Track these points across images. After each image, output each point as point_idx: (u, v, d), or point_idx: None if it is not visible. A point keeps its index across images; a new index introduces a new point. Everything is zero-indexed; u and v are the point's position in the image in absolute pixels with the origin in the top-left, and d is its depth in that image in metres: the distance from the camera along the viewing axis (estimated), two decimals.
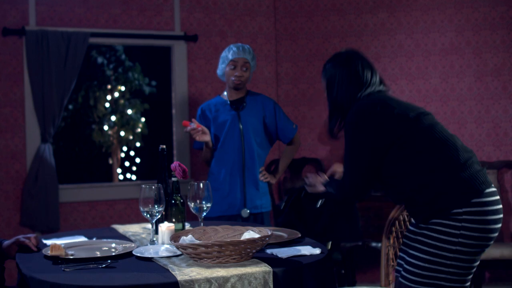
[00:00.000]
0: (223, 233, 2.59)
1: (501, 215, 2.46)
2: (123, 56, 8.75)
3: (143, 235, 3.01)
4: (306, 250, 2.51)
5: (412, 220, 2.71)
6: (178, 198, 2.88)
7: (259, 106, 4.04)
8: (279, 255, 2.43)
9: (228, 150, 3.96)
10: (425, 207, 2.47)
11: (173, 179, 2.91)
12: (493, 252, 4.61)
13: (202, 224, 2.84)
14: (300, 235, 2.85)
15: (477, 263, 2.48)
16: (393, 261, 3.43)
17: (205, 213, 2.83)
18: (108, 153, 8.93)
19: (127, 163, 8.93)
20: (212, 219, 3.88)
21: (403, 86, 5.35)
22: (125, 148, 8.98)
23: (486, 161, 5.14)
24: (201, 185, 2.81)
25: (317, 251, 2.50)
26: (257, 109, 4.02)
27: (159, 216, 2.74)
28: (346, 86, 2.72)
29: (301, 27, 5.51)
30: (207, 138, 3.88)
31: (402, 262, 2.62)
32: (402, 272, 2.54)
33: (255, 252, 2.38)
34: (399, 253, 2.74)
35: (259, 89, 5.35)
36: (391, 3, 5.37)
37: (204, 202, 2.82)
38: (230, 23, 5.41)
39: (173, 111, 5.30)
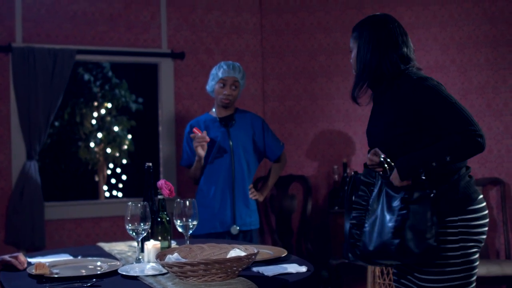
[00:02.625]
0: (209, 251, 2.58)
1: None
2: (110, 73, 8.75)
3: (129, 253, 3.00)
4: (292, 268, 2.50)
5: None
6: (164, 216, 2.87)
7: (248, 124, 4.08)
8: (265, 273, 2.43)
9: (218, 167, 3.98)
10: None
11: (159, 196, 2.90)
12: (479, 269, 4.62)
13: (188, 242, 2.83)
14: (286, 253, 2.84)
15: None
16: (379, 278, 3.44)
17: (191, 231, 2.82)
18: (94, 170, 8.89)
19: (113, 180, 8.90)
20: (202, 236, 3.89)
21: None
22: (111, 165, 8.95)
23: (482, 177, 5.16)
24: (187, 202, 2.80)
25: (303, 269, 2.49)
26: (246, 126, 4.06)
27: (145, 234, 2.73)
28: (384, 50, 2.59)
29: (288, 44, 5.54)
30: (203, 153, 3.89)
31: (409, 278, 2.60)
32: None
33: (241, 270, 2.37)
34: (395, 272, 2.71)
35: (245, 106, 5.36)
36: None
37: (190, 220, 2.81)
38: (217, 41, 5.43)
39: (160, 128, 5.30)
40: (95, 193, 8.80)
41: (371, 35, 2.62)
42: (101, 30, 5.11)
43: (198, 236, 3.88)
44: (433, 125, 2.47)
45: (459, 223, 2.47)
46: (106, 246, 3.22)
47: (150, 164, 3.00)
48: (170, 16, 5.28)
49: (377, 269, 3.42)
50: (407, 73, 2.59)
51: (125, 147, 8.69)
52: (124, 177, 8.94)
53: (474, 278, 2.55)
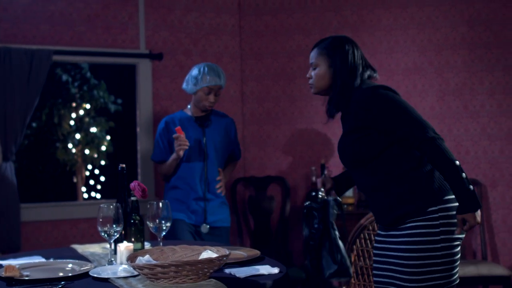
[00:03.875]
0: (181, 252, 2.57)
1: None
2: (88, 74, 8.70)
3: (102, 255, 2.98)
4: (265, 269, 2.50)
5: (378, 231, 2.80)
6: (137, 217, 2.86)
7: (223, 126, 4.15)
8: (237, 275, 2.42)
9: (192, 165, 4.02)
10: (400, 204, 2.59)
11: (132, 198, 2.90)
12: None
13: (161, 243, 2.82)
14: (259, 254, 2.84)
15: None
16: (354, 279, 3.45)
17: (164, 233, 2.81)
18: (73, 172, 8.82)
19: (92, 182, 8.84)
20: (180, 221, 3.94)
21: None
22: (90, 167, 8.89)
23: None
24: (160, 204, 2.79)
25: (275, 270, 2.49)
26: (221, 128, 4.13)
27: (118, 236, 2.72)
28: (360, 70, 2.75)
29: (266, 46, 5.54)
30: (182, 154, 3.94)
31: (390, 275, 2.65)
32: (398, 282, 2.59)
33: (213, 272, 2.37)
34: (376, 266, 2.77)
35: (224, 107, 5.36)
36: (355, 24, 5.44)
37: (163, 222, 2.80)
38: (196, 42, 5.42)
39: (138, 129, 5.27)
40: (73, 195, 8.73)
41: (346, 56, 2.75)
42: (78, 30, 5.08)
43: (174, 220, 3.93)
44: (389, 128, 2.60)
45: (439, 214, 2.55)
46: (80, 248, 3.20)
47: (124, 165, 2.99)
48: (148, 17, 5.27)
49: (352, 270, 3.42)
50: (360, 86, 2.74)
51: (104, 148, 8.64)
52: (102, 179, 8.89)
53: (456, 270, 2.60)
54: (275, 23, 5.54)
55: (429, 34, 5.35)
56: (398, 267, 2.61)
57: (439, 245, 2.54)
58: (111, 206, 2.66)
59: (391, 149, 2.64)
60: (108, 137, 9.00)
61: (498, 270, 4.70)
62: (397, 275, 2.62)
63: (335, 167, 5.30)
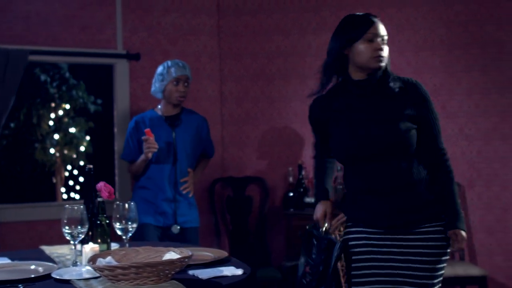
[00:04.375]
0: (144, 254, 2.55)
1: None
2: (67, 74, 8.66)
3: (69, 257, 2.96)
4: (229, 270, 2.49)
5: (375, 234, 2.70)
6: (104, 218, 2.84)
7: (194, 126, 4.13)
8: (200, 276, 2.42)
9: (161, 166, 4.02)
10: (424, 206, 2.62)
11: (99, 199, 2.88)
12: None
13: (127, 245, 2.81)
14: (227, 255, 2.83)
15: None
16: None
17: (130, 234, 2.80)
18: (52, 172, 8.77)
19: (71, 182, 8.80)
20: (144, 225, 3.93)
21: None
22: (69, 167, 8.84)
23: None
24: (126, 205, 2.78)
25: (239, 271, 2.48)
26: (192, 128, 4.11)
27: (83, 237, 2.70)
28: None
29: (245, 47, 5.53)
30: (150, 156, 3.93)
31: (398, 280, 2.64)
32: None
33: (174, 274, 2.35)
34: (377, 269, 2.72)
35: (203, 108, 5.35)
36: (334, 25, 5.37)
37: (129, 223, 2.79)
38: (174, 42, 5.40)
39: (115, 129, 5.25)
40: (53, 195, 8.67)
41: None
42: (55, 30, 5.05)
43: (141, 225, 3.92)
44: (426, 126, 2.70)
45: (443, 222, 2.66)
46: (48, 249, 3.18)
47: (91, 166, 2.98)
48: (125, 17, 5.24)
49: None
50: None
51: (83, 148, 8.60)
52: (81, 179, 8.85)
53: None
54: (254, 24, 5.53)
55: (408, 36, 5.36)
56: (414, 271, 2.61)
57: (448, 251, 2.66)
58: (76, 207, 2.65)
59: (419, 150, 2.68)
60: (88, 138, 8.97)
61: (474, 270, 4.71)
62: (410, 280, 2.61)
63: (310, 168, 5.29)
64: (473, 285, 4.74)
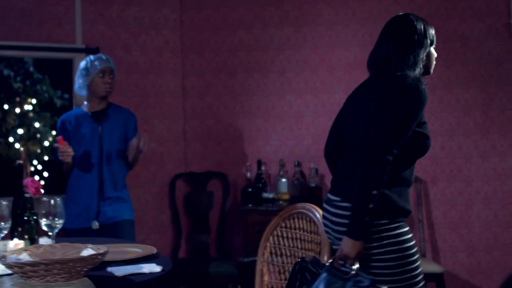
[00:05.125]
0: (62, 250, 2.51)
1: None
2: (31, 69, 8.61)
3: None
4: (148, 268, 2.45)
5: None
6: (30, 214, 2.81)
7: (122, 119, 4.05)
8: (116, 273, 2.38)
9: (87, 163, 3.95)
10: (399, 200, 2.58)
11: (26, 195, 2.84)
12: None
13: (54, 241, 2.77)
14: (155, 251, 2.79)
15: None
16: (266, 277, 3.41)
17: (57, 230, 2.76)
18: (18, 167, 8.69)
19: (36, 177, 8.75)
20: (74, 231, 3.87)
21: (308, 101, 5.37)
22: (35, 162, 8.78)
23: None
24: (52, 201, 2.74)
25: (157, 269, 2.44)
26: (119, 123, 4.03)
27: (6, 233, 2.66)
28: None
29: (208, 41, 5.49)
30: (70, 160, 3.85)
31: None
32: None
33: (88, 271, 2.31)
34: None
35: (165, 103, 5.31)
36: (296, 18, 5.40)
37: (56, 219, 2.75)
38: (135, 37, 5.35)
39: None
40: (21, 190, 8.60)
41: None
42: (13, 25, 5.00)
43: (71, 231, 3.89)
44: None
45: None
46: None
47: (21, 161, 2.95)
48: (85, 11, 5.19)
49: (265, 268, 3.39)
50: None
51: (47, 143, 8.55)
52: (46, 174, 8.81)
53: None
54: (216, 17, 5.48)
55: (370, 29, 5.32)
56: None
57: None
58: None
59: None
60: (54, 133, 8.93)
61: (431, 267, 4.68)
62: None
63: (273, 163, 5.27)
64: (431, 282, 4.71)
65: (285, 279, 3.25)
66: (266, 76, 5.40)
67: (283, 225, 3.36)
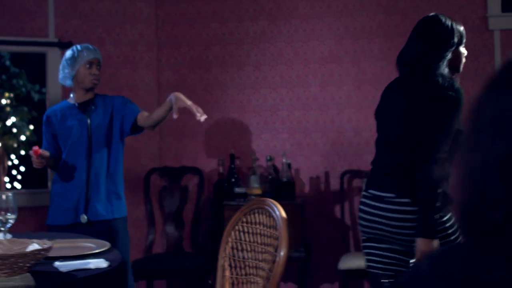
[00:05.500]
0: (9, 246, 2.50)
1: None
2: (8, 63, 8.58)
3: None
4: (94, 263, 2.44)
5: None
6: None
7: (109, 105, 3.95)
8: (61, 269, 2.37)
9: (75, 156, 3.88)
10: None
11: None
12: (346, 263, 4.66)
13: (6, 236, 2.76)
14: (108, 247, 2.77)
15: None
16: (228, 272, 3.40)
17: (9, 225, 2.75)
18: None
19: (14, 172, 8.72)
20: (62, 227, 3.83)
21: (283, 94, 5.35)
22: (13, 156, 8.74)
23: (364, 170, 5.15)
24: (4, 196, 2.73)
25: (104, 264, 2.43)
26: (106, 108, 3.94)
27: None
28: None
29: (183, 34, 5.46)
30: (46, 162, 3.78)
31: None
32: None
33: (32, 266, 2.30)
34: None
35: (139, 97, 5.28)
36: (271, 11, 5.37)
37: (9, 214, 2.75)
38: (109, 30, 5.33)
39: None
40: None
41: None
42: None
43: (59, 228, 3.82)
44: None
45: None
46: None
47: None
48: (58, 4, 5.15)
49: (226, 263, 3.38)
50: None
51: (23, 138, 8.52)
52: (22, 168, 8.79)
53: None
54: (191, 11, 5.45)
55: (346, 22, 5.30)
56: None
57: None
58: None
59: None
60: (32, 127, 8.90)
61: None
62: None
63: (244, 157, 5.25)
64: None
65: (246, 274, 3.25)
66: (241, 69, 5.37)
67: (244, 220, 3.35)
